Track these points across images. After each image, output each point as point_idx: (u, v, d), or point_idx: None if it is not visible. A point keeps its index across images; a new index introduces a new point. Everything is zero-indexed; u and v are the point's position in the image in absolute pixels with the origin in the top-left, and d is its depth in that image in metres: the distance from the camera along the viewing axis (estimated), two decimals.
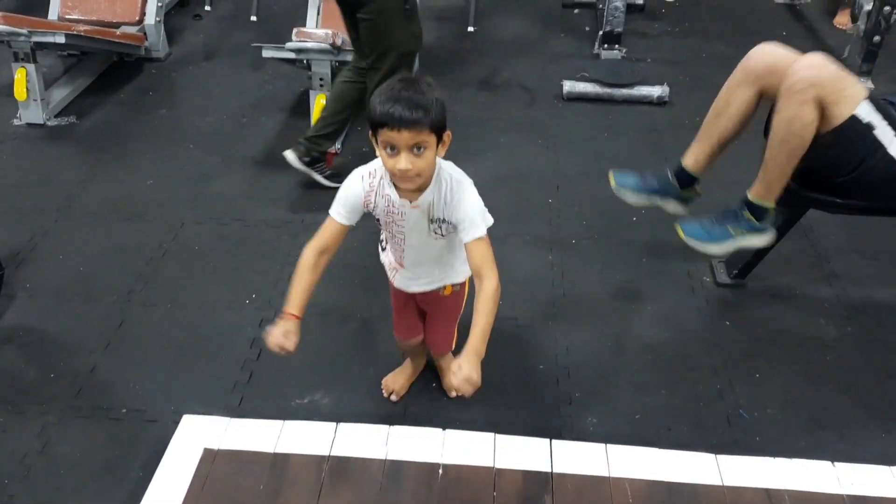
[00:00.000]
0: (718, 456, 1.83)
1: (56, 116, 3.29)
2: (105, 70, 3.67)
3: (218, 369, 2.11)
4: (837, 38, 4.14)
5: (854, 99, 1.93)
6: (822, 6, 4.53)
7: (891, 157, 1.95)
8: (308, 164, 2.83)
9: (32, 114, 3.23)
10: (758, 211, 2.09)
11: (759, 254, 2.34)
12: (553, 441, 1.85)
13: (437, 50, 3.99)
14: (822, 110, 1.94)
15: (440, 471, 1.78)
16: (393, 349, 2.15)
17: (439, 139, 1.48)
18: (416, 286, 1.82)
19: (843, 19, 4.30)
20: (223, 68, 3.80)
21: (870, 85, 3.66)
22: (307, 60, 2.98)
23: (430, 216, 1.60)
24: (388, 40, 2.61)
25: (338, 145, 3.09)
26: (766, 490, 1.75)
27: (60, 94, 3.38)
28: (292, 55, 2.98)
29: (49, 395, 2.02)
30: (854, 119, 1.92)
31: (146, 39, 3.73)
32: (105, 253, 2.55)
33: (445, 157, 1.56)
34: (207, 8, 4.31)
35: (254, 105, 3.46)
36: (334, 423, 1.89)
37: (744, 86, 2.14)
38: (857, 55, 3.68)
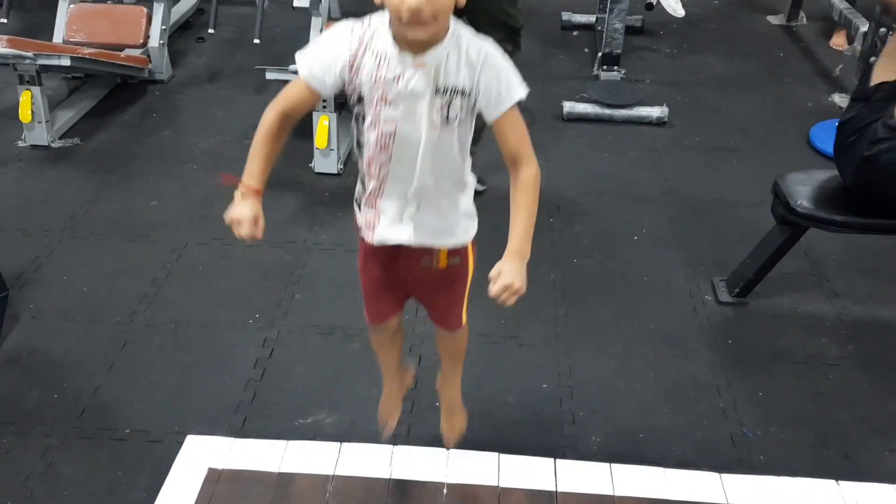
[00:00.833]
0: (723, 475, 1.83)
1: (60, 138, 3.32)
2: (109, 92, 3.70)
3: (221, 389, 2.12)
4: (833, 60, 4.19)
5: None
6: (818, 28, 4.58)
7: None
8: None
9: (37, 136, 3.25)
10: None
11: (760, 273, 2.36)
12: (557, 460, 1.85)
13: None
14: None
15: (444, 490, 1.78)
16: None
17: None
18: (402, 231, 1.39)
19: (839, 40, 4.35)
20: (226, 90, 3.83)
21: None
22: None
23: (439, 83, 1.23)
24: (492, 19, 2.65)
25: (340, 165, 3.11)
26: None
27: (65, 116, 3.40)
28: (296, 77, 3.01)
29: (52, 417, 2.02)
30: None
31: (150, 62, 3.77)
32: (109, 274, 2.56)
33: None
34: (211, 31, 4.35)
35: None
36: (338, 443, 1.89)
37: None
38: (854, 76, 3.72)
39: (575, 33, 4.52)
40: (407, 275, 1.50)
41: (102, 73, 3.62)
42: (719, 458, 1.93)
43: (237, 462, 1.84)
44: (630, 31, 4.12)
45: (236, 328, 2.33)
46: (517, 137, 1.28)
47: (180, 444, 1.89)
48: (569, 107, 3.55)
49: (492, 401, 2.08)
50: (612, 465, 1.85)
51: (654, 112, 3.51)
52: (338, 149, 3.07)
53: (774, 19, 4.71)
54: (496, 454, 1.87)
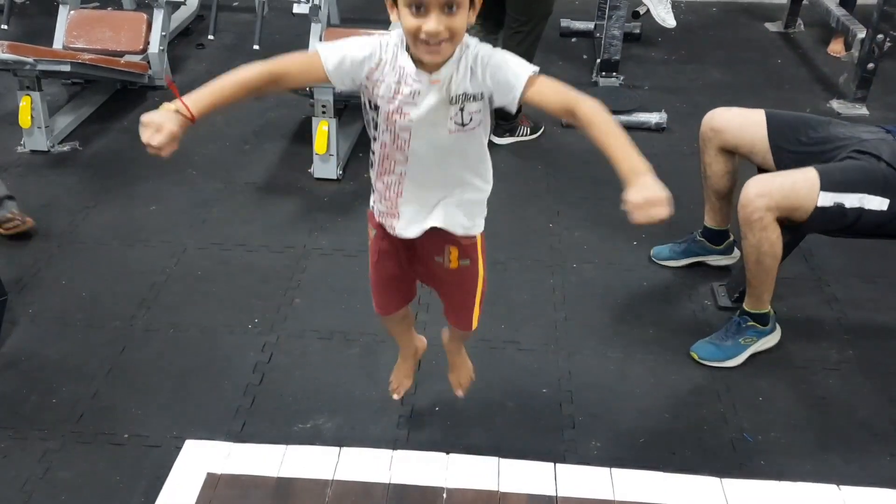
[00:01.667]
0: (724, 480, 1.82)
1: (60, 143, 3.32)
2: (109, 98, 3.71)
3: (220, 394, 2.11)
4: (831, 66, 4.20)
5: (810, 195, 2.00)
6: (815, 34, 4.60)
7: (872, 211, 2.00)
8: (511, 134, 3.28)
9: (36, 141, 3.26)
10: (758, 317, 2.19)
11: None
12: (557, 465, 1.84)
13: None
14: (787, 218, 2.03)
15: (444, 495, 1.77)
16: None
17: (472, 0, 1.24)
18: (415, 226, 1.46)
19: (836, 47, 4.37)
20: None
21: (864, 111, 3.71)
22: (309, 88, 3.01)
23: (451, 93, 1.30)
24: (535, 6, 3.04)
25: (340, 171, 3.11)
26: None
27: (64, 122, 3.41)
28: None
29: (50, 421, 2.02)
30: (819, 209, 2.00)
31: (150, 68, 3.77)
32: (108, 278, 2.56)
33: None
34: (210, 37, 4.37)
35: (256, 132, 3.49)
36: (337, 448, 1.88)
37: (705, 150, 2.41)
38: (852, 82, 3.73)
39: (574, 40, 4.53)
40: (421, 269, 1.59)
41: (102, 79, 3.62)
42: (720, 463, 1.93)
43: (236, 467, 1.83)
44: (628, 37, 4.14)
45: (235, 333, 2.33)
46: (554, 92, 1.29)
47: (179, 448, 1.88)
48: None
49: (492, 405, 2.08)
50: (613, 469, 1.84)
51: (653, 118, 3.52)
52: (337, 154, 3.07)
53: (772, 26, 4.73)
54: (496, 459, 1.86)
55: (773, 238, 2.04)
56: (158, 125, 1.22)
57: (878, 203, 1.99)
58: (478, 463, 1.85)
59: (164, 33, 3.80)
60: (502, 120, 3.27)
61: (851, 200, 1.99)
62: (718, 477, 1.83)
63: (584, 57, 4.27)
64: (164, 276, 2.56)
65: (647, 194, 1.20)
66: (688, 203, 2.64)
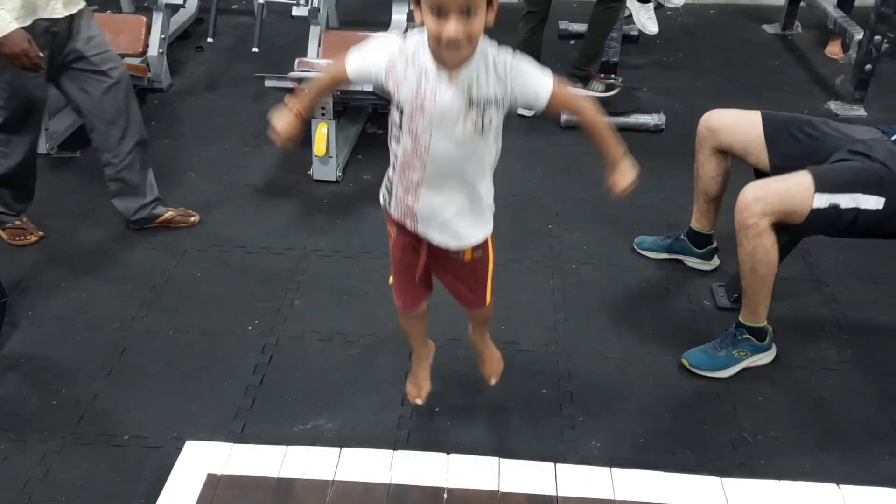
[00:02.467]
0: (724, 479, 1.83)
1: (60, 147, 3.32)
2: None
3: (221, 395, 2.11)
4: (829, 68, 4.22)
5: (805, 198, 2.00)
6: (813, 36, 4.61)
7: (869, 211, 2.01)
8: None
9: None
10: (755, 331, 2.18)
11: None
12: (557, 465, 1.85)
13: None
14: (784, 222, 2.04)
15: (445, 495, 1.77)
16: (396, 373, 2.16)
17: (490, 1, 1.34)
18: (434, 230, 1.57)
19: (834, 49, 4.38)
20: (225, 99, 3.85)
21: (862, 113, 3.72)
22: None
23: (471, 95, 1.39)
24: None
25: (339, 173, 3.12)
26: None
27: (64, 124, 3.41)
28: (295, 85, 3.02)
29: (51, 423, 2.02)
30: (816, 211, 2.00)
31: (149, 71, 3.78)
32: (108, 280, 2.56)
33: None
34: (210, 40, 4.36)
35: (255, 134, 3.50)
36: (338, 448, 1.88)
37: (700, 149, 2.44)
38: (849, 83, 3.74)
39: (572, 42, 4.54)
40: (436, 263, 1.68)
41: None
42: (720, 463, 1.93)
43: (236, 468, 1.83)
44: (626, 40, 4.15)
45: (235, 334, 2.33)
46: (569, 102, 1.51)
47: (179, 449, 1.88)
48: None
49: (492, 406, 2.08)
50: (613, 469, 1.85)
51: (651, 120, 3.53)
52: (336, 156, 3.08)
53: (770, 28, 4.75)
54: (496, 459, 1.86)
55: (767, 245, 2.04)
56: (282, 124, 1.56)
57: (873, 202, 1.99)
58: (478, 463, 1.85)
59: (163, 36, 3.81)
60: (576, 67, 3.55)
61: (846, 201, 2.00)
62: (718, 477, 1.84)
63: None
64: (164, 278, 2.56)
65: (629, 177, 1.60)
66: (685, 204, 2.66)
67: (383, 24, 4.13)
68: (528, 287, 2.54)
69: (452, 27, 1.29)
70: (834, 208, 1.99)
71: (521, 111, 3.51)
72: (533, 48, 3.44)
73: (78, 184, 3.09)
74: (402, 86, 1.41)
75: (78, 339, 2.30)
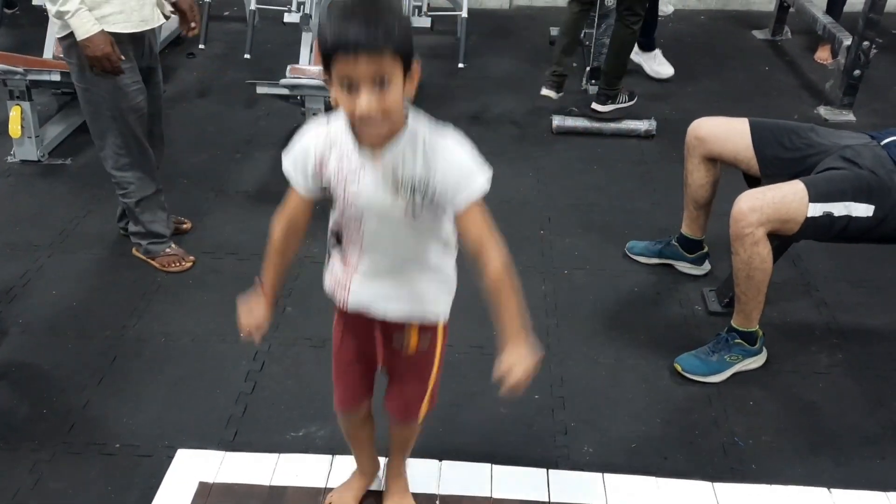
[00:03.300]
0: (715, 484, 1.84)
1: (50, 154, 3.31)
2: None
3: (212, 403, 2.10)
4: (818, 73, 4.25)
5: (800, 207, 2.02)
6: (802, 42, 4.64)
7: (859, 218, 2.03)
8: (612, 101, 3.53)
9: (27, 151, 3.25)
10: (746, 336, 2.19)
11: None
12: (550, 471, 1.85)
13: (427, 86, 4.05)
14: (778, 230, 2.05)
15: (437, 502, 1.77)
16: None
17: (406, 69, 1.18)
18: (377, 304, 1.41)
19: (823, 54, 4.42)
20: (217, 105, 3.84)
21: (851, 118, 3.74)
22: (301, 97, 3.02)
23: (399, 177, 1.25)
24: None
25: None
26: None
27: (55, 132, 3.40)
28: (286, 91, 3.03)
29: (41, 431, 2.00)
30: (810, 219, 2.02)
31: None
32: (98, 288, 2.55)
33: None
34: (201, 46, 4.37)
35: (247, 141, 3.50)
36: (330, 456, 1.88)
37: (689, 157, 2.46)
38: (838, 89, 3.77)
39: None
40: (380, 349, 1.50)
41: None
42: (711, 468, 1.93)
43: (228, 476, 1.83)
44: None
45: (227, 341, 2.32)
46: (480, 228, 1.27)
47: (171, 458, 1.88)
48: (558, 120, 3.58)
49: (484, 412, 2.08)
50: (605, 474, 1.85)
51: (643, 125, 3.55)
52: None
53: (760, 34, 4.78)
54: (489, 465, 1.86)
55: (763, 254, 2.06)
56: (251, 332, 1.47)
57: (863, 210, 2.01)
58: (470, 469, 1.85)
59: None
60: (605, 87, 3.50)
61: (839, 209, 2.02)
62: (710, 481, 1.84)
63: (574, 65, 4.29)
64: (155, 286, 2.56)
65: (520, 372, 1.25)
66: (676, 209, 2.67)
67: None
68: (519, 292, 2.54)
69: (364, 101, 1.15)
70: (828, 216, 2.01)
71: (595, 106, 3.53)
72: (576, 28, 3.50)
73: (69, 191, 3.09)
74: (328, 165, 1.30)
75: (68, 347, 2.29)
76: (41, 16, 3.90)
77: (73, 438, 1.99)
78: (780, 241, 2.18)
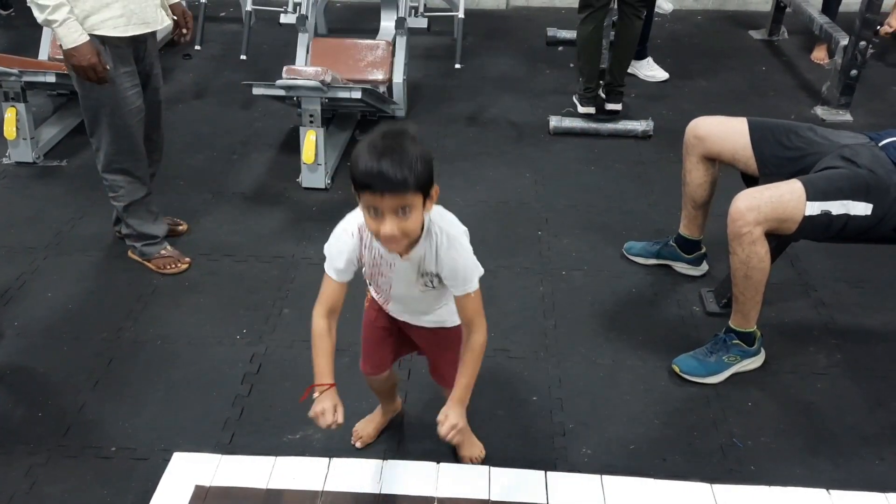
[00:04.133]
0: (714, 485, 1.83)
1: (46, 156, 3.30)
2: None
3: (209, 406, 2.09)
4: (815, 73, 4.25)
5: (797, 206, 2.02)
6: (799, 42, 4.65)
7: (858, 217, 2.03)
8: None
9: (22, 152, 3.24)
10: (744, 336, 2.19)
11: None
12: (548, 473, 1.84)
13: (424, 87, 4.04)
14: (776, 230, 2.05)
15: None
16: None
17: (426, 196, 1.38)
18: (406, 319, 1.72)
19: (820, 54, 4.42)
20: (213, 106, 3.83)
21: (848, 118, 3.74)
22: (297, 98, 3.01)
23: (421, 269, 1.52)
24: None
25: (328, 180, 3.11)
26: None
27: (50, 133, 3.39)
28: (283, 92, 3.02)
29: (37, 435, 1.99)
30: (808, 218, 2.02)
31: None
32: (94, 290, 2.54)
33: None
34: (197, 47, 4.37)
35: (244, 142, 3.49)
36: (327, 458, 1.87)
37: (688, 157, 2.45)
38: (835, 89, 3.77)
39: (560, 49, 4.57)
40: (412, 332, 1.74)
41: None
42: (710, 469, 1.93)
43: (225, 479, 1.82)
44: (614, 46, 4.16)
45: (224, 344, 2.31)
46: (474, 310, 1.54)
47: (167, 461, 1.86)
48: (555, 121, 3.57)
49: (482, 414, 2.07)
50: (604, 476, 1.84)
51: (640, 126, 3.54)
52: (325, 164, 3.07)
53: (756, 34, 4.78)
54: (486, 467, 1.85)
55: (761, 253, 2.05)
56: (321, 412, 1.54)
57: (862, 208, 2.01)
58: (468, 472, 1.84)
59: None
60: (619, 86, 3.46)
61: (837, 208, 2.01)
62: (709, 483, 1.83)
63: (571, 65, 4.29)
64: (151, 288, 2.55)
65: (454, 421, 1.51)
66: (673, 209, 2.67)
67: (372, 31, 4.13)
68: (517, 293, 2.54)
69: (388, 226, 1.34)
70: (825, 215, 2.01)
71: (609, 106, 3.52)
72: (598, 50, 3.45)
73: (64, 193, 3.07)
74: (363, 258, 1.54)
75: (64, 349, 2.28)
76: None
77: (68, 442, 1.98)
78: (778, 240, 2.18)
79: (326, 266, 1.56)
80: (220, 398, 2.12)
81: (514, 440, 2.00)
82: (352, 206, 1.51)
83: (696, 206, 2.50)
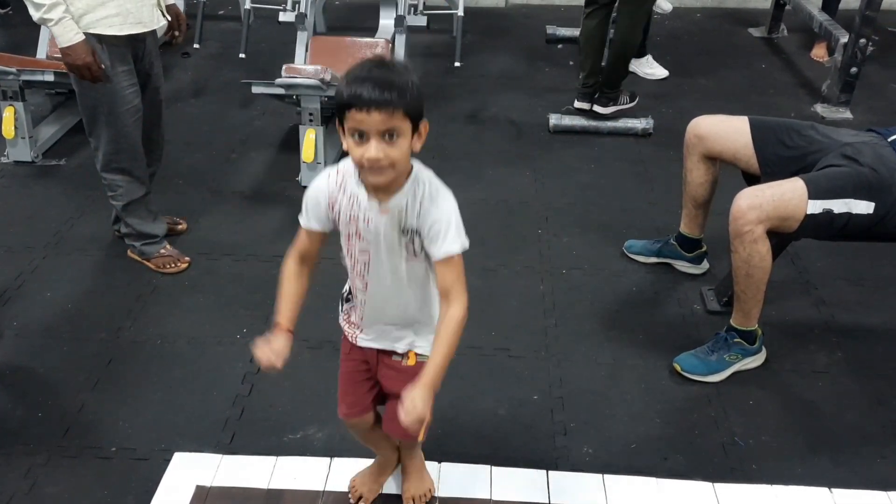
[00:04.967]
0: (716, 484, 1.83)
1: (44, 155, 3.29)
2: None
3: (209, 406, 2.09)
4: (815, 70, 4.25)
5: (799, 204, 2.01)
6: (799, 39, 4.64)
7: (860, 215, 2.02)
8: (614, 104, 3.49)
9: (20, 152, 3.23)
10: (745, 335, 2.18)
11: None
12: (549, 472, 1.84)
13: (424, 85, 4.01)
14: (777, 228, 2.04)
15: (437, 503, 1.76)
16: None
17: (415, 128, 1.28)
18: (378, 341, 1.54)
19: (819, 52, 4.42)
20: (212, 105, 3.82)
21: (848, 115, 3.74)
22: (297, 96, 3.01)
23: (402, 224, 1.36)
24: None
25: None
26: None
27: (48, 132, 3.38)
28: (282, 91, 3.01)
29: (36, 435, 1.99)
30: (809, 217, 2.01)
31: None
32: (93, 290, 2.53)
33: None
34: (196, 46, 4.36)
35: (243, 141, 3.48)
36: (328, 458, 1.87)
37: (688, 156, 2.45)
38: (835, 86, 3.77)
39: (559, 46, 4.56)
40: (381, 369, 1.57)
41: None
42: (711, 468, 1.92)
43: (226, 479, 1.81)
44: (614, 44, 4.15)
45: (224, 343, 2.31)
46: (453, 278, 1.37)
47: (167, 461, 1.86)
48: (555, 119, 3.57)
49: (483, 413, 2.07)
50: (605, 475, 1.84)
51: (640, 124, 3.54)
52: (325, 162, 3.06)
53: (756, 32, 4.77)
54: (488, 467, 1.85)
55: (763, 251, 2.05)
56: (271, 364, 1.41)
57: (864, 207, 2.00)
58: (470, 471, 1.84)
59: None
60: (607, 88, 3.44)
61: (839, 206, 2.01)
62: (710, 482, 1.83)
63: (570, 63, 4.29)
64: (150, 287, 2.54)
65: (419, 413, 1.31)
66: (674, 207, 2.66)
67: (371, 30, 4.12)
68: (517, 292, 2.53)
69: (373, 149, 1.24)
70: (827, 213, 2.00)
71: (597, 108, 3.50)
72: (601, 44, 3.42)
73: (63, 192, 3.07)
74: (339, 212, 1.40)
75: (63, 349, 2.28)
76: None
77: (68, 442, 1.97)
78: (780, 239, 2.18)
79: (301, 214, 1.45)
80: (220, 398, 2.11)
81: (516, 439, 2.00)
82: None
83: (696, 205, 2.50)
